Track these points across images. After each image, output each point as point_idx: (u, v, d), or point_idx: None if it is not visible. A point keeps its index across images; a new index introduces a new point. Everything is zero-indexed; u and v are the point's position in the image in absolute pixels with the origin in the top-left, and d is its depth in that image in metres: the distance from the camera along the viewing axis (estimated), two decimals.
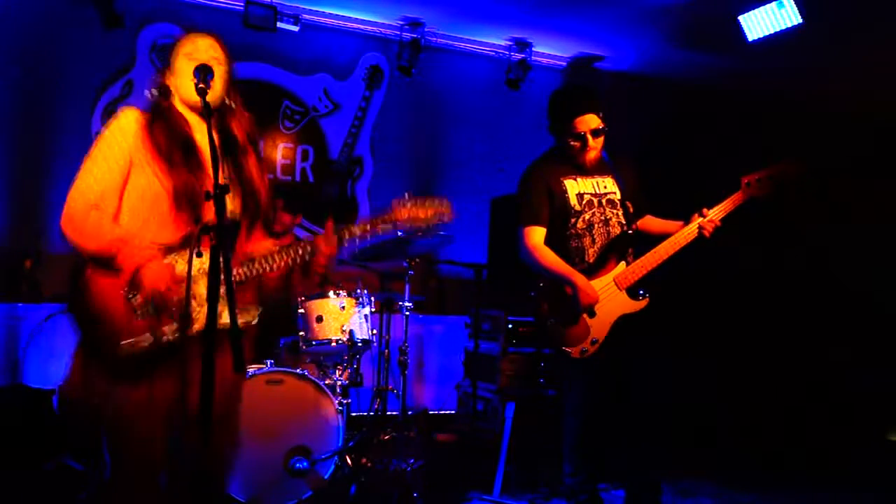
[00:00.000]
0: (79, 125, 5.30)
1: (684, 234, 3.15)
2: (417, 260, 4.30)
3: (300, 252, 2.25)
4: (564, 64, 6.71)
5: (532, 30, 6.13)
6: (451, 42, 6.34)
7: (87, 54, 5.41)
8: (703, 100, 6.37)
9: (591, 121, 3.16)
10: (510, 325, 5.20)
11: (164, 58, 2.30)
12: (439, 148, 6.48)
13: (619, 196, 3.27)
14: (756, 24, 5.25)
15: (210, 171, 2.16)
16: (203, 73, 2.09)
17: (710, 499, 4.34)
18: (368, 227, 2.32)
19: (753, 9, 5.22)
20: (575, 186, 3.24)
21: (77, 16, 5.32)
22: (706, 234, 3.14)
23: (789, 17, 5.07)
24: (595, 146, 3.19)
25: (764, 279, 5.94)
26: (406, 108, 6.37)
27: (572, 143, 3.18)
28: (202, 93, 2.06)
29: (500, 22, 5.98)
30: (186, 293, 2.02)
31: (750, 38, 5.32)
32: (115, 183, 2.15)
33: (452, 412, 5.70)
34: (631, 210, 3.25)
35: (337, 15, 5.98)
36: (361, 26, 6.13)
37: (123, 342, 2.05)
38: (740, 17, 5.29)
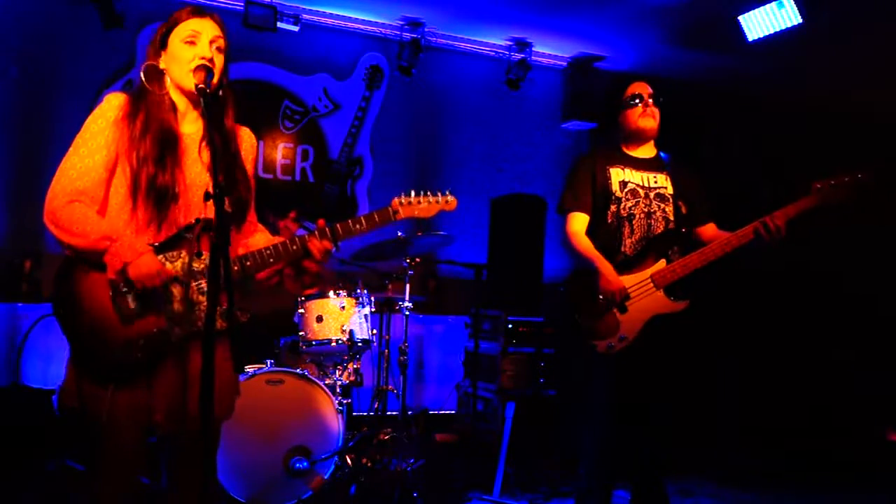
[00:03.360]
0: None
1: (737, 235, 3.05)
2: (417, 260, 4.30)
3: (291, 249, 2.18)
4: (564, 64, 6.71)
5: (532, 30, 6.13)
6: (451, 42, 6.33)
7: (86, 54, 5.41)
8: (703, 100, 6.37)
9: (643, 87, 3.24)
10: (510, 325, 5.20)
11: (158, 37, 2.20)
12: (439, 148, 6.48)
13: (671, 192, 3.22)
14: (756, 24, 5.25)
15: (199, 160, 2.15)
16: (205, 73, 2.04)
17: (710, 499, 4.35)
18: (365, 223, 2.25)
19: (753, 9, 5.21)
20: (620, 174, 3.20)
21: (76, 15, 5.31)
22: (764, 235, 2.98)
23: (789, 17, 5.06)
24: (652, 111, 3.20)
25: (762, 279, 5.94)
26: (406, 108, 6.37)
27: (628, 109, 3.20)
28: (202, 93, 2.02)
29: (500, 22, 5.98)
30: (185, 293, 2.00)
31: (750, 38, 5.32)
32: (99, 174, 2.07)
33: (452, 412, 5.70)
34: (684, 210, 3.20)
35: (337, 15, 5.98)
36: (361, 26, 6.12)
37: (117, 345, 2.01)
38: (740, 17, 5.29)
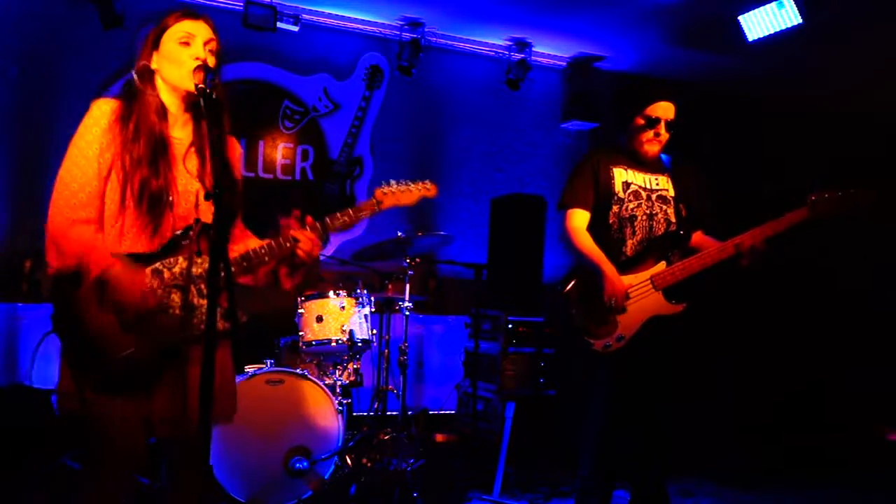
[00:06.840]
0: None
1: (719, 248, 3.06)
2: (417, 260, 4.30)
3: (285, 246, 2.19)
4: (564, 64, 6.71)
5: (532, 30, 6.12)
6: (451, 42, 6.33)
7: (86, 54, 5.40)
8: (703, 100, 6.37)
9: (668, 109, 3.14)
10: (510, 325, 5.20)
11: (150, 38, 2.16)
12: (439, 148, 6.48)
13: (672, 194, 3.21)
14: (756, 24, 5.25)
15: (184, 168, 2.13)
16: (204, 73, 2.02)
17: (710, 499, 4.35)
18: (353, 214, 2.31)
19: (753, 9, 5.21)
20: (623, 175, 3.19)
21: (77, 15, 5.31)
22: (744, 255, 3.00)
23: (789, 17, 5.06)
24: (662, 138, 3.15)
25: (758, 277, 5.93)
26: (406, 108, 6.37)
27: (642, 128, 3.14)
28: (203, 93, 1.99)
29: (500, 22, 5.98)
30: (185, 296, 2.00)
31: (750, 38, 5.32)
32: (93, 187, 2.04)
33: (452, 412, 5.70)
34: (684, 213, 3.19)
35: (337, 15, 5.98)
36: (361, 26, 6.12)
37: (119, 354, 1.98)
38: (740, 17, 5.29)
